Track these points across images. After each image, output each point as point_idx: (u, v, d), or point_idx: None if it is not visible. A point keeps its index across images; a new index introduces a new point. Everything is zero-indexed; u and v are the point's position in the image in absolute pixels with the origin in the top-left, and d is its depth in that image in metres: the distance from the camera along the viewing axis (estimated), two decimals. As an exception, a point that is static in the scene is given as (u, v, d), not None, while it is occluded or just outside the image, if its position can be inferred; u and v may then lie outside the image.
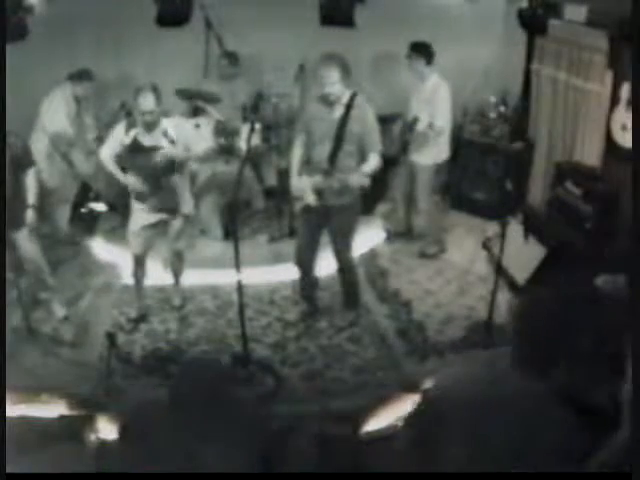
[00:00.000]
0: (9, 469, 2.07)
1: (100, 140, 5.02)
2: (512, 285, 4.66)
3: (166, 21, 5.01)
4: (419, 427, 1.89)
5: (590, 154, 4.87)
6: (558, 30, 5.02)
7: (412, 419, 1.96)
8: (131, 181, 4.02)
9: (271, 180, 5.60)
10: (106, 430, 3.00)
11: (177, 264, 4.52)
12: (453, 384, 1.92)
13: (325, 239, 4.16)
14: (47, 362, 3.95)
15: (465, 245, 5.21)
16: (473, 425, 1.74)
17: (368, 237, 5.38)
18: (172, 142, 3.98)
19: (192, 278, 4.76)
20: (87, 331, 4.32)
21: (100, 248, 5.34)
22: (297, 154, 4.00)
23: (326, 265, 4.44)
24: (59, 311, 4.38)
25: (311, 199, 3.84)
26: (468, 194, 5.86)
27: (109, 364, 3.67)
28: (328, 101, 3.78)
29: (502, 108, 5.77)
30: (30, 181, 3.97)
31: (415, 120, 4.85)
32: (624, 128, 4.40)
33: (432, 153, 4.98)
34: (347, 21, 5.08)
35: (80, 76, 5.04)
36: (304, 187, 3.86)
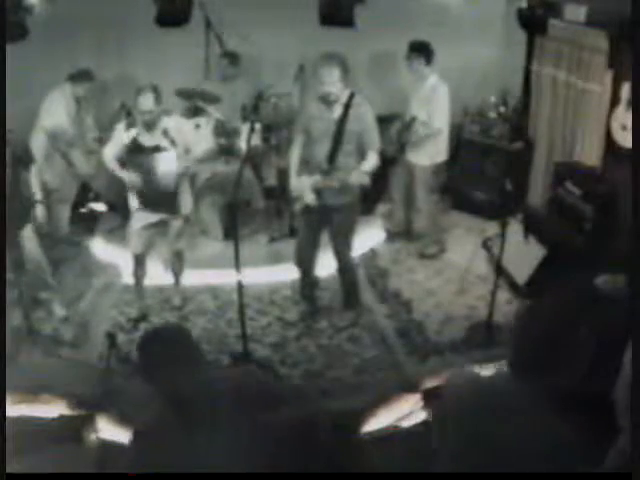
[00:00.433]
0: (9, 469, 2.07)
1: (100, 140, 5.04)
2: (512, 285, 4.66)
3: (166, 21, 5.01)
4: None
5: (590, 154, 4.87)
6: (558, 30, 5.03)
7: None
8: (133, 179, 4.02)
9: (271, 180, 5.60)
10: (106, 430, 3.00)
11: (177, 264, 4.52)
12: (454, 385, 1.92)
13: (325, 239, 4.16)
14: (47, 362, 3.96)
15: (465, 245, 5.21)
16: (472, 426, 1.74)
17: (368, 237, 5.38)
18: (172, 142, 3.98)
19: (192, 278, 4.76)
20: (87, 331, 4.32)
21: (100, 248, 5.34)
22: (296, 154, 4.01)
23: (326, 265, 4.44)
24: (59, 311, 4.38)
25: (310, 199, 3.84)
26: (468, 194, 5.86)
27: (109, 364, 3.66)
28: (327, 101, 3.78)
29: (502, 108, 5.77)
30: (33, 178, 4.00)
31: (413, 120, 4.85)
32: (624, 128, 4.40)
33: (430, 153, 4.97)
34: (347, 21, 5.08)
35: (80, 76, 5.05)
36: (303, 187, 3.86)
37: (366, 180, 3.67)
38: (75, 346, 4.15)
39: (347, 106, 3.79)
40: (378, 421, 3.15)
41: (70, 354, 4.06)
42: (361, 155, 3.85)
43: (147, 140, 3.98)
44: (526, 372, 1.78)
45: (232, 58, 5.46)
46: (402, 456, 2.71)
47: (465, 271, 4.74)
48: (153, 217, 4.17)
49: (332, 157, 3.82)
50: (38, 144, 4.85)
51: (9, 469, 2.07)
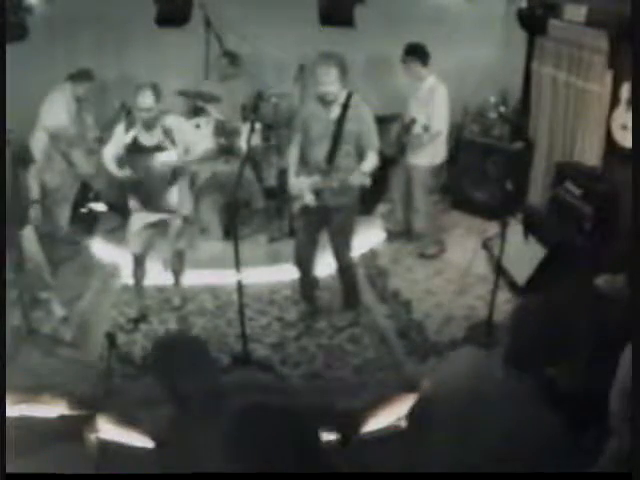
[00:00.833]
0: (9, 469, 2.07)
1: (100, 140, 5.03)
2: (512, 285, 4.65)
3: (166, 21, 5.00)
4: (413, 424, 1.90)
5: (590, 154, 4.87)
6: (558, 30, 5.03)
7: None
8: (132, 179, 4.02)
9: (271, 180, 5.61)
10: (106, 430, 3.00)
11: (177, 264, 4.52)
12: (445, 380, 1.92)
13: (324, 239, 4.16)
14: (47, 362, 3.95)
15: (465, 245, 5.21)
16: (463, 422, 1.74)
17: (368, 237, 5.38)
18: (172, 141, 3.98)
19: (192, 278, 4.76)
20: (87, 331, 4.32)
21: (100, 248, 5.34)
22: (294, 154, 4.00)
23: (326, 265, 4.44)
24: (59, 311, 4.38)
25: (309, 199, 3.84)
26: (468, 194, 5.86)
27: (109, 364, 3.66)
28: (325, 101, 3.77)
29: (502, 108, 5.77)
30: (32, 178, 4.00)
31: (412, 121, 4.85)
32: (624, 128, 4.40)
33: (429, 154, 4.97)
34: (347, 21, 5.07)
35: (80, 76, 5.05)
36: (302, 187, 3.86)
37: (367, 181, 3.66)
38: (75, 346, 4.15)
39: (345, 106, 3.78)
40: (378, 421, 3.15)
41: (70, 354, 4.06)
42: (360, 155, 3.85)
43: (147, 140, 3.98)
44: (519, 368, 1.79)
45: (232, 58, 5.45)
46: (401, 456, 2.71)
47: (465, 271, 4.74)
48: (153, 217, 4.17)
49: (331, 157, 3.81)
50: (39, 144, 4.84)
51: (9, 469, 2.07)
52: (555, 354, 1.80)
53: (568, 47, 5.04)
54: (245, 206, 5.29)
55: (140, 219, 4.17)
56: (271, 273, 4.94)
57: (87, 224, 5.57)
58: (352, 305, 4.45)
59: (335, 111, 3.79)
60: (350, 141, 3.81)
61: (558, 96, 5.30)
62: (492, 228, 5.19)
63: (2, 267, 3.67)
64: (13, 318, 4.07)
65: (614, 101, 4.51)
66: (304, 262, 4.22)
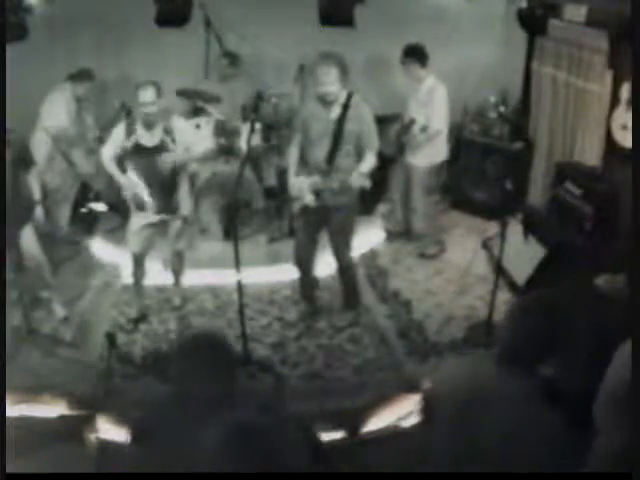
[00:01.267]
0: (9, 469, 2.07)
1: (100, 140, 5.03)
2: (512, 285, 4.65)
3: (166, 21, 5.00)
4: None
5: (590, 154, 4.87)
6: (558, 30, 5.03)
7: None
8: (132, 179, 4.02)
9: (271, 180, 5.61)
10: (106, 430, 3.01)
11: (177, 264, 4.52)
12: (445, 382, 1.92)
13: (324, 239, 4.16)
14: (47, 362, 3.96)
15: (465, 245, 5.21)
16: (463, 422, 1.74)
17: (368, 237, 5.38)
18: (173, 141, 3.98)
19: (192, 278, 4.76)
20: (87, 331, 4.32)
21: (100, 248, 5.34)
22: (294, 154, 4.00)
23: (326, 265, 4.44)
24: (59, 311, 4.38)
25: (309, 199, 3.84)
26: (468, 194, 5.86)
27: (109, 364, 3.66)
28: (325, 101, 3.77)
29: (502, 108, 5.77)
30: (33, 179, 4.01)
31: (412, 122, 4.85)
32: (624, 128, 4.40)
33: (428, 154, 4.97)
34: (347, 21, 5.07)
35: (80, 76, 5.05)
36: (302, 187, 3.86)
37: (366, 183, 3.64)
38: (75, 346, 4.15)
39: (345, 106, 3.78)
40: (378, 421, 3.16)
41: (70, 354, 4.06)
42: (360, 156, 3.85)
43: (148, 140, 3.98)
44: (513, 366, 1.79)
45: (232, 58, 5.45)
46: (402, 456, 2.71)
47: (465, 271, 4.74)
48: (153, 217, 4.17)
49: (331, 158, 3.81)
50: (39, 144, 4.85)
51: (9, 469, 2.07)
52: (555, 354, 1.80)
53: (568, 47, 5.04)
54: (245, 206, 5.29)
55: (140, 219, 4.17)
56: (271, 273, 4.94)
57: (87, 224, 5.57)
58: (352, 305, 4.45)
59: (335, 111, 3.79)
60: (350, 141, 3.81)
61: (558, 96, 5.30)
62: (492, 228, 5.19)
63: (2, 267, 3.67)
64: (13, 318, 4.08)
65: (614, 101, 4.51)
66: (304, 262, 4.22)
